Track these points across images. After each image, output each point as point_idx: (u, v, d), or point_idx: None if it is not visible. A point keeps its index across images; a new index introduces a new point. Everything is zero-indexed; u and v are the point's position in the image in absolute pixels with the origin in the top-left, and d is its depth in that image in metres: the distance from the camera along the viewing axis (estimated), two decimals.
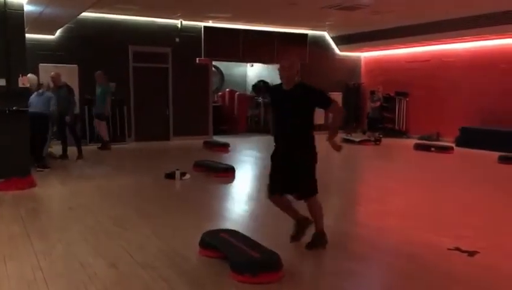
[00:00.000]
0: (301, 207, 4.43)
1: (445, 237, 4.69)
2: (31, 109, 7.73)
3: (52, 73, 9.45)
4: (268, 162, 4.44)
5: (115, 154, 10.88)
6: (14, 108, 6.99)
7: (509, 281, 3.73)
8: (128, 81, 12.56)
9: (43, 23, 9.88)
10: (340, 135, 13.75)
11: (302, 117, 4.21)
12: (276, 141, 4.36)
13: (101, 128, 11.11)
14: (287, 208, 4.47)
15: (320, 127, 5.61)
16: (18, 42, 7.13)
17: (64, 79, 9.63)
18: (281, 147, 4.30)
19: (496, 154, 9.92)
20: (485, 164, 9.91)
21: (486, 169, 9.35)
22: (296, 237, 4.48)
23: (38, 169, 7.95)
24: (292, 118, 4.20)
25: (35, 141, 7.96)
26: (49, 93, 8.50)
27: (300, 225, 4.48)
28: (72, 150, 9.57)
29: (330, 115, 4.44)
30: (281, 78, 4.25)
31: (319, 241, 4.33)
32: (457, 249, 4.30)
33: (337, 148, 4.40)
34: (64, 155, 9.50)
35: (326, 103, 4.24)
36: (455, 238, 4.60)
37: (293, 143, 4.22)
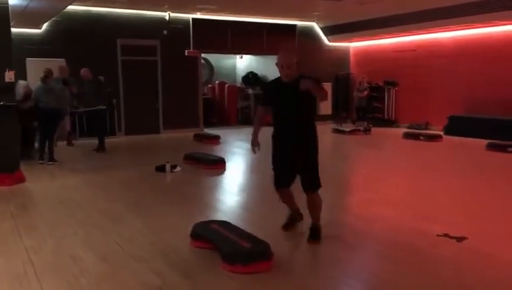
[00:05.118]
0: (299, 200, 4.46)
1: (435, 224, 4.75)
2: (42, 104, 8.23)
3: (59, 65, 9.69)
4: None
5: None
6: (1, 103, 6.91)
7: (497, 265, 3.79)
8: (117, 74, 12.45)
9: (29, 17, 9.74)
10: (331, 126, 13.88)
11: (304, 108, 4.16)
12: (277, 133, 4.28)
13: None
14: (289, 200, 4.50)
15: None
16: (3, 37, 6.99)
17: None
18: (285, 139, 4.23)
19: (483, 142, 10.01)
20: (473, 152, 10.00)
21: (474, 156, 9.44)
22: (288, 225, 4.56)
23: (48, 163, 8.37)
24: (295, 110, 4.13)
25: (46, 135, 8.46)
26: (56, 84, 8.71)
27: (294, 217, 4.57)
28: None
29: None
30: (280, 71, 4.14)
31: (319, 234, 4.30)
32: (446, 235, 4.36)
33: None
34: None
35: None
36: (444, 225, 4.67)
37: (297, 135, 4.19)
